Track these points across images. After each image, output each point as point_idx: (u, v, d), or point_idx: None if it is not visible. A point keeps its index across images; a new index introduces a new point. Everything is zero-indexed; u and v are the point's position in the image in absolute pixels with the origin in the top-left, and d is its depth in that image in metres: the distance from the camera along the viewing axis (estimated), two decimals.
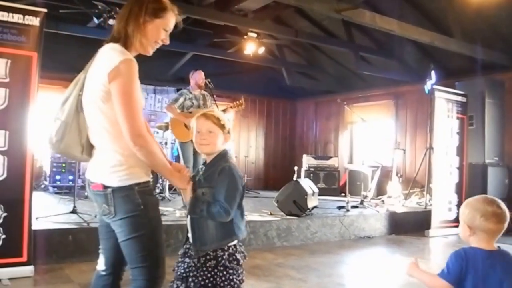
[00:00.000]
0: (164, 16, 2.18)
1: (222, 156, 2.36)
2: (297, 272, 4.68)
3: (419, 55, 9.28)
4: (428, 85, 8.13)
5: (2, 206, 3.89)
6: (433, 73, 8.20)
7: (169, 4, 2.21)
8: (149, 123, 10.68)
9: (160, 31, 2.19)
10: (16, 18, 3.99)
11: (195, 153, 6.51)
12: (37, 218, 4.83)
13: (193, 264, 2.26)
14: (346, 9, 6.24)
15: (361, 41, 9.47)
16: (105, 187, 2.08)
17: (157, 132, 9.33)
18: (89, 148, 2.20)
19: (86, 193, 7.02)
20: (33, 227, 4.18)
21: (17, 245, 3.94)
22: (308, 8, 7.00)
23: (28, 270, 3.99)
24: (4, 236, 3.88)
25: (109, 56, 2.06)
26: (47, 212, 5.14)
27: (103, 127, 2.09)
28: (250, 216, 6.14)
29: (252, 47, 9.56)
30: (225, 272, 2.24)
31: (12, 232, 3.91)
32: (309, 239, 6.28)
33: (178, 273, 2.30)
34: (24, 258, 3.98)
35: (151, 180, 2.22)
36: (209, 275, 2.23)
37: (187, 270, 2.27)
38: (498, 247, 2.02)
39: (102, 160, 2.13)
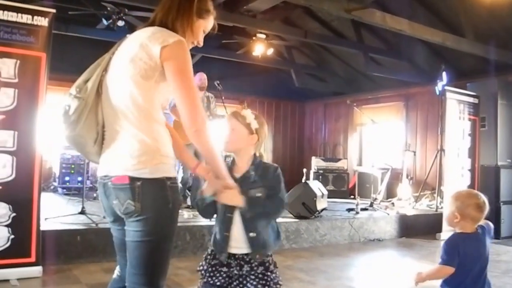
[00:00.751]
0: (208, 18, 2.12)
1: (258, 160, 2.31)
2: (306, 275, 4.64)
3: (430, 56, 9.18)
4: (439, 86, 8.05)
5: (10, 206, 3.89)
6: (444, 74, 8.11)
7: (213, 7, 2.15)
8: None
9: (200, 32, 2.12)
10: (25, 18, 4.00)
11: (196, 156, 6.46)
12: (46, 219, 4.84)
13: (236, 273, 2.18)
14: (356, 9, 6.18)
15: (370, 42, 9.40)
16: (133, 179, 1.84)
17: None
18: (102, 140, 1.99)
19: (94, 195, 7.12)
20: (42, 228, 4.19)
21: (25, 245, 3.94)
22: (318, 8, 6.94)
23: (36, 270, 3.99)
24: (12, 236, 3.88)
25: (161, 33, 1.91)
26: (56, 213, 5.13)
27: (133, 108, 1.88)
28: None
29: (260, 48, 9.52)
30: (273, 276, 2.20)
31: (20, 232, 3.92)
32: (318, 242, 6.23)
33: (218, 283, 2.19)
34: (32, 259, 3.98)
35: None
36: (262, 281, 2.17)
37: (228, 280, 2.20)
38: (476, 228, 2.56)
39: (126, 148, 1.88)
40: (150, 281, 1.91)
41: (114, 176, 1.89)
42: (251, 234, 2.18)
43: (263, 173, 2.24)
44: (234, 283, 2.19)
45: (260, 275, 2.17)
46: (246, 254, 2.19)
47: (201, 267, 2.27)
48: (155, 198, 1.86)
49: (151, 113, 1.90)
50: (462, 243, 2.50)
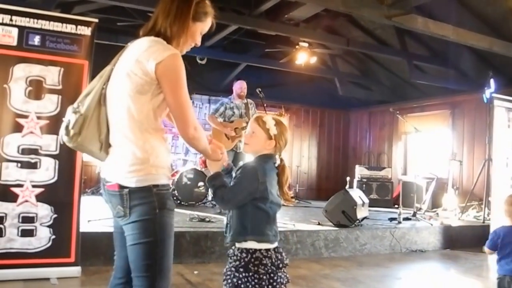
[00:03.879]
0: (205, 20, 2.19)
1: (259, 158, 2.36)
2: (342, 284, 4.57)
3: (477, 63, 8.93)
4: (486, 94, 7.79)
5: (52, 208, 4.04)
6: (492, 81, 7.84)
7: (211, 8, 2.21)
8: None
9: (197, 34, 2.20)
10: (69, 28, 4.17)
11: (235, 162, 6.54)
12: (89, 221, 5.00)
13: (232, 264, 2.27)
14: (397, 15, 6.11)
15: (415, 50, 9.25)
16: (121, 187, 1.98)
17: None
18: (108, 146, 2.09)
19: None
20: (84, 230, 4.33)
21: (65, 245, 4.08)
22: (358, 15, 6.92)
23: (75, 270, 4.11)
24: (53, 236, 4.03)
25: (155, 48, 1.99)
26: (101, 215, 5.26)
27: (128, 121, 2.00)
28: (297, 225, 6.09)
29: (303, 56, 9.55)
30: (244, 274, 2.20)
31: (61, 233, 4.06)
32: (358, 251, 6.14)
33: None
34: (72, 259, 4.11)
35: (170, 184, 2.20)
36: (231, 274, 2.23)
37: (228, 273, 2.27)
38: None
39: (120, 158, 2.02)
40: (149, 283, 2.00)
41: (109, 182, 2.04)
42: (228, 222, 2.33)
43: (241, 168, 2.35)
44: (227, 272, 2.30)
45: (233, 269, 2.23)
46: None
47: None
48: (141, 205, 1.98)
49: (146, 126, 2.01)
50: (503, 233, 3.52)
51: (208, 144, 2.21)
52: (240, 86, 7.01)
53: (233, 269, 2.23)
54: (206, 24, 2.21)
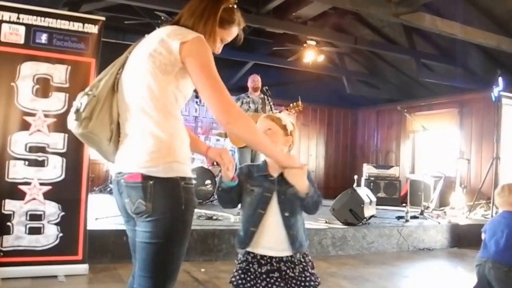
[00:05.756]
0: (229, 29, 2.08)
1: None
2: (349, 283, 4.56)
3: (485, 61, 8.89)
4: (495, 92, 7.75)
5: (60, 206, 4.06)
6: (500, 79, 7.80)
7: (240, 18, 2.10)
8: (211, 131, 10.90)
9: (218, 40, 2.06)
10: (76, 26, 4.18)
11: (254, 159, 6.55)
12: (96, 218, 5.02)
13: (264, 271, 2.19)
14: (405, 13, 6.09)
15: (423, 48, 9.22)
16: (145, 177, 1.76)
17: (218, 140, 9.45)
18: (117, 138, 1.93)
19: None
20: (91, 227, 4.35)
21: (73, 243, 4.09)
22: (366, 13, 6.90)
23: (83, 268, 4.13)
24: (61, 234, 4.05)
25: (180, 31, 1.88)
26: (108, 213, 5.28)
27: (150, 100, 1.83)
28: (305, 224, 6.06)
29: (311, 55, 9.54)
30: (312, 276, 2.22)
31: (68, 231, 4.08)
32: (365, 249, 6.13)
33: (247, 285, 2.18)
34: (79, 256, 4.12)
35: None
36: (299, 281, 2.21)
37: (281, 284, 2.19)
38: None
39: (139, 145, 1.81)
40: (156, 285, 1.83)
41: (127, 173, 1.82)
42: (286, 230, 2.18)
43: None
44: (263, 284, 2.17)
45: (302, 275, 2.19)
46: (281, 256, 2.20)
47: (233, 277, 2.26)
48: (167, 199, 1.78)
49: (169, 108, 1.85)
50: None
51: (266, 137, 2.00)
52: (253, 79, 7.03)
53: (302, 275, 2.21)
54: (228, 33, 2.08)
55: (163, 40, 1.85)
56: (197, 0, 2.04)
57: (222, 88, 1.82)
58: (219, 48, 2.09)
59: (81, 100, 1.85)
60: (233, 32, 2.11)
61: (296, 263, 2.21)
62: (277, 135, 2.24)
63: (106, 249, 4.55)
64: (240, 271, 2.23)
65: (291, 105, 6.93)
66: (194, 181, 7.47)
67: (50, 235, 4.01)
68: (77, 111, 1.83)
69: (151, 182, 1.76)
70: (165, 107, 1.84)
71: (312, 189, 2.15)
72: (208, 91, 1.82)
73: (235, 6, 2.08)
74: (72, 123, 1.85)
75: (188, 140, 1.94)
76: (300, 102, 6.83)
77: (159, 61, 1.83)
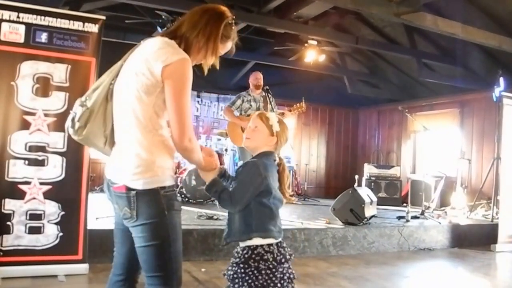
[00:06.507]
0: (224, 43, 2.18)
1: (261, 154, 2.37)
2: (349, 283, 4.55)
3: (486, 61, 8.88)
4: (496, 92, 7.75)
5: (60, 205, 4.06)
6: (501, 79, 7.80)
7: (235, 34, 2.22)
8: (212, 130, 10.91)
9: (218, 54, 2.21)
10: (77, 25, 4.18)
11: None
12: (97, 218, 5.01)
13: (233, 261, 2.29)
14: (406, 12, 6.08)
15: (424, 48, 9.20)
16: (129, 189, 1.96)
17: (219, 139, 9.43)
18: (112, 141, 2.10)
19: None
20: (91, 227, 4.35)
21: (73, 243, 4.09)
22: (367, 12, 6.89)
23: (83, 268, 4.13)
24: (61, 234, 4.05)
25: (166, 50, 1.97)
26: (109, 213, 5.26)
27: (135, 120, 1.98)
28: (305, 223, 6.08)
29: (312, 54, 9.53)
30: (243, 269, 2.21)
31: (68, 231, 4.07)
32: (366, 249, 6.12)
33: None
34: (79, 256, 4.12)
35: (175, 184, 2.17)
36: (230, 269, 2.27)
37: (229, 268, 2.29)
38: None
39: (126, 159, 2.00)
40: (164, 281, 2.01)
41: (116, 184, 2.01)
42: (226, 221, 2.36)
43: (241, 167, 2.37)
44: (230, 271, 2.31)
45: (234, 265, 2.25)
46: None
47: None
48: (149, 207, 1.97)
49: (151, 126, 1.99)
50: None
51: (201, 156, 2.16)
52: (255, 77, 6.95)
53: (234, 265, 2.25)
54: (222, 47, 2.20)
55: (146, 61, 1.97)
56: (197, 12, 2.11)
57: (185, 118, 1.97)
58: (216, 63, 2.21)
59: (76, 110, 2.05)
60: (228, 46, 2.22)
61: (236, 252, 2.30)
62: (261, 133, 2.37)
63: (107, 248, 4.49)
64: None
65: (294, 105, 6.89)
66: (193, 182, 7.49)
67: (50, 234, 4.01)
68: (73, 120, 2.05)
69: (133, 193, 1.96)
70: (147, 126, 1.99)
71: (214, 188, 2.26)
72: (173, 114, 1.95)
73: (234, 22, 2.19)
74: (69, 129, 2.07)
75: (170, 151, 2.07)
76: (303, 103, 6.81)
77: (141, 81, 1.96)
